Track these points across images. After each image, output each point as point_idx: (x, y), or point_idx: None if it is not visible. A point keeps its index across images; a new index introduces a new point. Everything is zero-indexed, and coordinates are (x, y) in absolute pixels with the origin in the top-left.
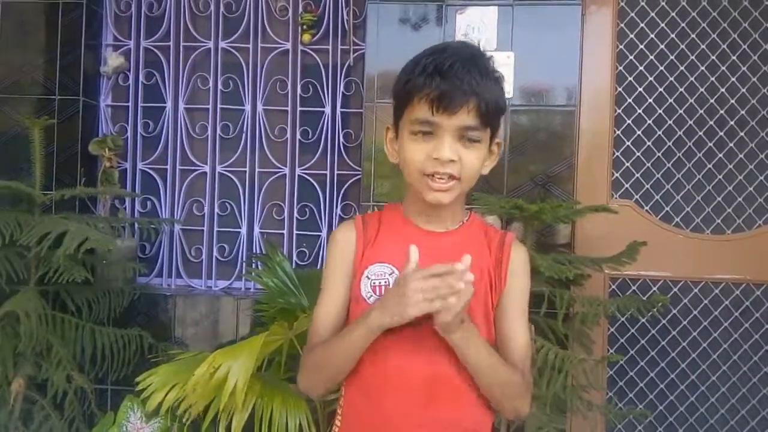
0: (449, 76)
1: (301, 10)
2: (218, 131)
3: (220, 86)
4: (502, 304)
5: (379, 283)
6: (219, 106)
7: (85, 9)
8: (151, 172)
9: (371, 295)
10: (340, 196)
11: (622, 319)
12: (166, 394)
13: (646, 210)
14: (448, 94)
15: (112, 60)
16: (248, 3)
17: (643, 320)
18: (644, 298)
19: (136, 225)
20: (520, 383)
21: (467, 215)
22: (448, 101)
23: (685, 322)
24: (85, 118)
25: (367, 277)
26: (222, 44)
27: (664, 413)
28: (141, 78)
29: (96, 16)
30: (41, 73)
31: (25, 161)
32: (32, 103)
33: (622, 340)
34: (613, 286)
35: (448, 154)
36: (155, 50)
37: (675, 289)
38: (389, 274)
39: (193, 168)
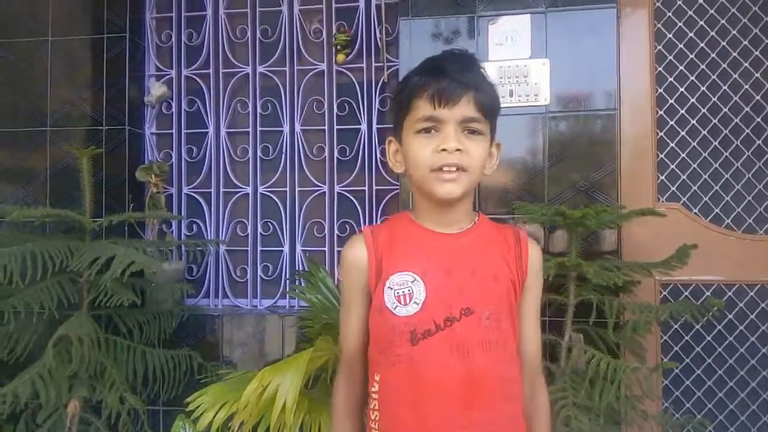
0: (446, 72)
1: (334, 31)
2: (259, 153)
3: (259, 109)
4: (520, 301)
5: (403, 292)
6: (258, 128)
7: (128, 42)
8: (196, 195)
9: (396, 305)
10: (380, 211)
11: (676, 326)
12: (216, 413)
13: (695, 212)
14: (449, 88)
15: (156, 89)
16: (283, 27)
17: (698, 327)
18: (698, 304)
19: (183, 247)
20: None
21: (476, 215)
22: (449, 94)
23: (741, 327)
24: (131, 147)
25: (389, 287)
26: (259, 69)
27: (724, 423)
28: (183, 105)
29: (139, 48)
30: (89, 105)
31: (77, 190)
32: (81, 135)
33: (676, 348)
34: (665, 293)
35: (453, 143)
36: (196, 78)
37: (729, 293)
38: (411, 282)
39: (235, 190)
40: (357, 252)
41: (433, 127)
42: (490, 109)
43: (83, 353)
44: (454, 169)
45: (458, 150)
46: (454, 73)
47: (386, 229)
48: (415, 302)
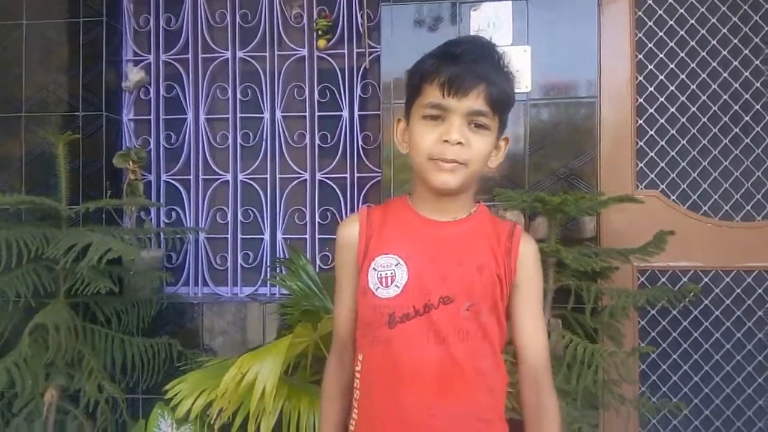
0: (461, 61)
1: (315, 16)
2: (239, 140)
3: (239, 95)
4: (516, 300)
5: (385, 274)
6: (239, 114)
7: (105, 26)
8: (174, 182)
9: (378, 287)
10: (361, 198)
11: (653, 312)
12: (194, 401)
13: (673, 199)
14: (460, 77)
15: (133, 75)
16: (263, 12)
17: (675, 312)
18: (674, 289)
19: (162, 235)
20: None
21: (475, 206)
22: (459, 84)
23: (717, 313)
24: (108, 133)
25: (373, 268)
26: (239, 54)
27: (699, 406)
28: (162, 91)
29: (116, 33)
30: (65, 91)
31: (53, 177)
32: (57, 120)
33: (653, 334)
34: (642, 279)
35: (456, 136)
36: (174, 63)
37: (706, 279)
38: (395, 265)
39: (215, 177)
40: (349, 230)
41: (439, 115)
42: (500, 104)
43: (60, 341)
44: (453, 161)
45: (460, 143)
46: (469, 63)
47: (382, 210)
48: (396, 285)
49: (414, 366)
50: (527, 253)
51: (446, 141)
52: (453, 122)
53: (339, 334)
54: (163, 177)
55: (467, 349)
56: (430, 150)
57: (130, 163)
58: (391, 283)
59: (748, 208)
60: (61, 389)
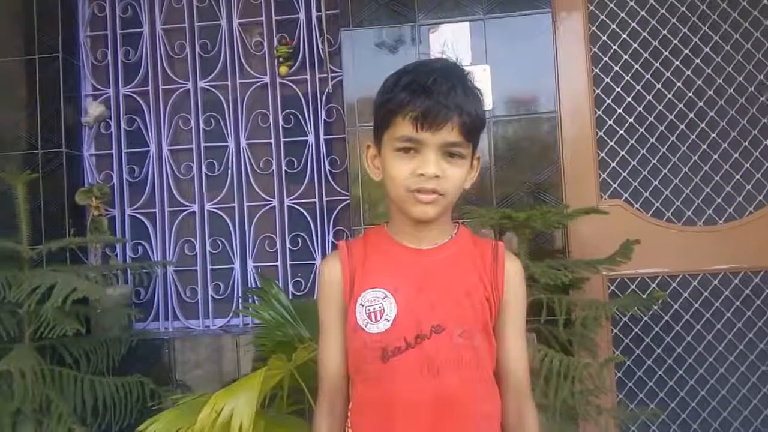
0: (432, 94)
1: (276, 43)
2: (204, 170)
3: (202, 125)
4: (502, 319)
5: (374, 309)
6: (202, 144)
7: (62, 62)
8: (140, 216)
9: (367, 322)
10: (331, 222)
11: (625, 319)
12: None
13: (637, 208)
14: (432, 112)
15: (93, 109)
16: (223, 41)
17: (646, 318)
18: (643, 297)
19: (129, 271)
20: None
21: (455, 228)
22: (432, 119)
23: (687, 317)
24: (69, 170)
25: (361, 304)
26: (201, 84)
27: (676, 410)
28: (123, 125)
29: (73, 68)
30: (23, 129)
31: (14, 218)
32: (16, 159)
33: (626, 341)
34: (612, 288)
35: (432, 170)
36: (135, 96)
37: (674, 284)
38: (382, 299)
39: (181, 208)
40: (332, 269)
41: (412, 148)
42: (474, 132)
43: (27, 387)
44: (430, 191)
45: (437, 176)
46: (440, 95)
47: (361, 243)
48: (385, 319)
49: (408, 400)
50: (513, 272)
51: (422, 174)
52: (428, 156)
53: (328, 378)
54: (128, 211)
55: (461, 378)
56: (406, 183)
57: (93, 199)
58: (381, 317)
59: (710, 212)
60: None
